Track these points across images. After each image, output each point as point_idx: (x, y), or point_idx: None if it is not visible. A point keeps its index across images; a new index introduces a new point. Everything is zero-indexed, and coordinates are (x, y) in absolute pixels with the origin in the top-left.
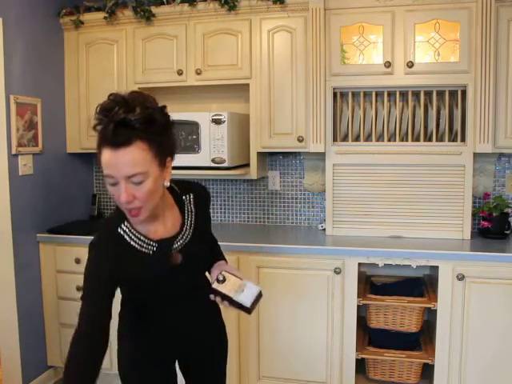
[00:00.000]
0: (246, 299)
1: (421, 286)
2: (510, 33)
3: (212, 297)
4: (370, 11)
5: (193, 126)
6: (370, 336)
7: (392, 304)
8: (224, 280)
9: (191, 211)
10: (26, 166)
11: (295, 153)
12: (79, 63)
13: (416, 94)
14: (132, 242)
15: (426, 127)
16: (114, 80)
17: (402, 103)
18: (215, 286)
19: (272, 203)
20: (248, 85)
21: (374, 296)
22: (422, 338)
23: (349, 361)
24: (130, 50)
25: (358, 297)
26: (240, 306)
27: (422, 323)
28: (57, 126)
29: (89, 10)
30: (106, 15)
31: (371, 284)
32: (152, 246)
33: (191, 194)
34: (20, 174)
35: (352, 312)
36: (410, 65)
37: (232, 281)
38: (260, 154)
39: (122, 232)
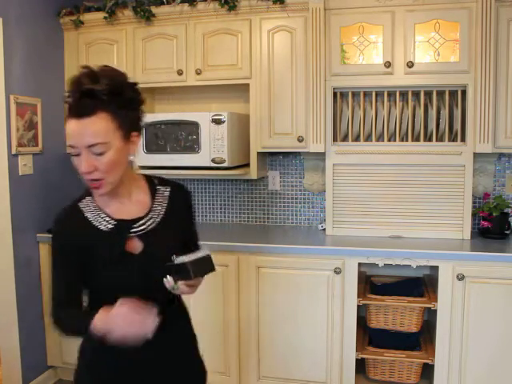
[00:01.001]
0: (186, 259)
1: (421, 286)
2: (510, 33)
3: (165, 283)
4: (370, 11)
5: (193, 126)
6: (370, 336)
7: (392, 304)
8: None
9: (163, 202)
10: (25, 166)
11: (295, 153)
12: (79, 63)
13: (416, 94)
14: (89, 216)
15: (426, 127)
16: None
17: (402, 103)
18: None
19: (272, 203)
20: (248, 85)
21: (374, 296)
22: (422, 338)
23: (349, 361)
24: (130, 50)
25: (358, 297)
26: (183, 272)
27: (421, 323)
28: (57, 126)
29: (89, 9)
30: (106, 15)
31: (371, 284)
32: (109, 223)
33: (168, 187)
34: (20, 173)
35: (352, 312)
36: (410, 65)
37: (185, 257)
38: (260, 154)
39: (82, 205)
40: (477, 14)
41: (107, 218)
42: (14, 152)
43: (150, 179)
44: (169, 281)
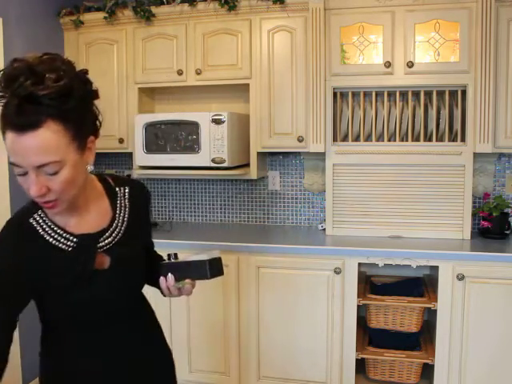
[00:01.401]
0: (203, 257)
1: (421, 285)
2: (510, 33)
3: (162, 282)
4: (370, 11)
5: (193, 126)
6: (370, 336)
7: (392, 304)
8: (176, 257)
9: (125, 206)
10: None
11: (295, 153)
12: (79, 63)
13: (416, 94)
14: (46, 235)
15: (426, 127)
16: (113, 80)
17: (402, 103)
18: (165, 262)
19: (272, 203)
20: (248, 85)
21: (374, 296)
22: (422, 338)
23: (349, 361)
24: (130, 50)
25: (358, 297)
26: (198, 271)
27: (421, 323)
28: None
29: (89, 10)
30: (106, 15)
31: (371, 284)
32: (70, 241)
33: (127, 187)
34: None
35: (352, 312)
36: (410, 65)
37: (184, 255)
38: (260, 154)
39: (34, 223)
40: (477, 14)
41: (66, 235)
42: None
43: (103, 180)
44: (169, 279)
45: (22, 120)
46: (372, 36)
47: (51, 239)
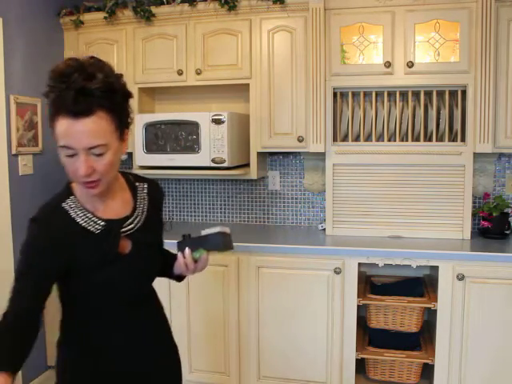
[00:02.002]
0: (214, 230)
1: (421, 285)
2: (510, 33)
3: (180, 257)
4: (370, 11)
5: (193, 126)
6: (370, 336)
7: (392, 304)
8: (190, 236)
9: (144, 199)
10: (26, 165)
11: (295, 153)
12: None
13: (416, 94)
14: (77, 218)
15: (426, 127)
16: None
17: (402, 103)
18: (181, 240)
19: (272, 203)
20: (248, 85)
21: (374, 296)
22: (422, 338)
23: (349, 361)
24: (130, 50)
25: (358, 297)
26: (211, 243)
27: (421, 323)
28: None
29: (89, 9)
30: (106, 15)
31: (371, 284)
32: (98, 224)
33: (145, 184)
34: (20, 173)
35: (352, 312)
36: (410, 65)
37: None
38: (260, 154)
39: (66, 207)
40: (477, 14)
41: (95, 219)
42: (14, 152)
43: (125, 175)
44: (186, 251)
45: (78, 108)
46: (372, 36)
47: (82, 222)
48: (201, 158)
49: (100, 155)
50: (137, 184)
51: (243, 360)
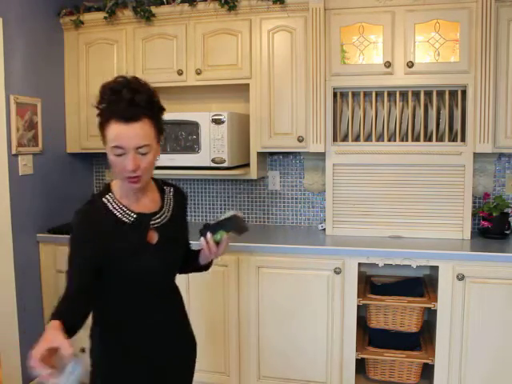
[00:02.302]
0: (230, 214)
1: (421, 285)
2: (510, 33)
3: (202, 241)
4: (370, 11)
5: (193, 126)
6: (369, 336)
7: (392, 304)
8: (209, 223)
9: (170, 200)
10: (26, 165)
11: (295, 153)
12: (79, 63)
13: (416, 94)
14: (114, 211)
15: (426, 127)
16: None
17: (402, 103)
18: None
19: (272, 203)
20: (248, 85)
21: (374, 296)
22: (422, 338)
23: (349, 361)
24: (130, 50)
25: (358, 297)
26: (229, 224)
27: (421, 323)
28: (57, 126)
29: (89, 10)
30: (106, 15)
31: (371, 284)
32: (131, 216)
33: (171, 188)
34: (20, 173)
35: (352, 312)
36: (410, 65)
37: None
38: (260, 154)
39: (105, 201)
40: (477, 14)
41: (129, 212)
42: (14, 152)
43: (156, 180)
44: (208, 235)
45: (129, 114)
46: (372, 36)
47: (118, 213)
48: (201, 158)
49: (144, 154)
50: (165, 187)
51: (243, 360)
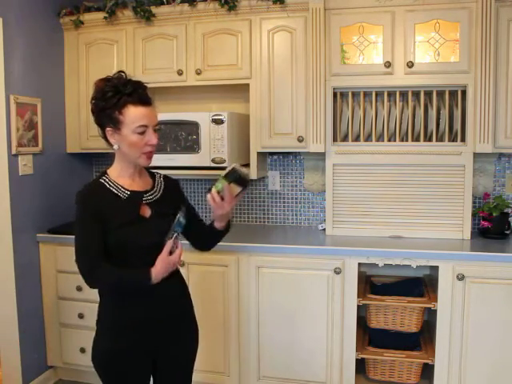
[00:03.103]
0: (230, 167)
1: (421, 285)
2: (510, 33)
3: (209, 196)
4: (370, 11)
5: (193, 126)
6: (369, 336)
7: (392, 304)
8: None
9: (160, 182)
10: (26, 165)
11: (295, 153)
12: (79, 63)
13: (416, 94)
14: (111, 188)
15: (426, 127)
16: None
17: (402, 103)
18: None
19: (272, 203)
20: (248, 85)
21: (374, 296)
22: (422, 338)
23: (349, 361)
24: (130, 50)
25: (358, 297)
26: (230, 175)
27: (421, 323)
28: (57, 126)
29: (89, 10)
30: (106, 15)
31: (371, 284)
32: (126, 193)
33: (161, 175)
34: (20, 173)
35: (352, 312)
36: (410, 65)
37: None
38: (260, 154)
39: (103, 181)
40: (477, 14)
41: (124, 189)
42: (13, 152)
43: (147, 168)
44: (212, 191)
45: (148, 99)
46: (372, 36)
47: (114, 190)
48: (201, 158)
49: (156, 131)
50: (155, 173)
51: (243, 360)
